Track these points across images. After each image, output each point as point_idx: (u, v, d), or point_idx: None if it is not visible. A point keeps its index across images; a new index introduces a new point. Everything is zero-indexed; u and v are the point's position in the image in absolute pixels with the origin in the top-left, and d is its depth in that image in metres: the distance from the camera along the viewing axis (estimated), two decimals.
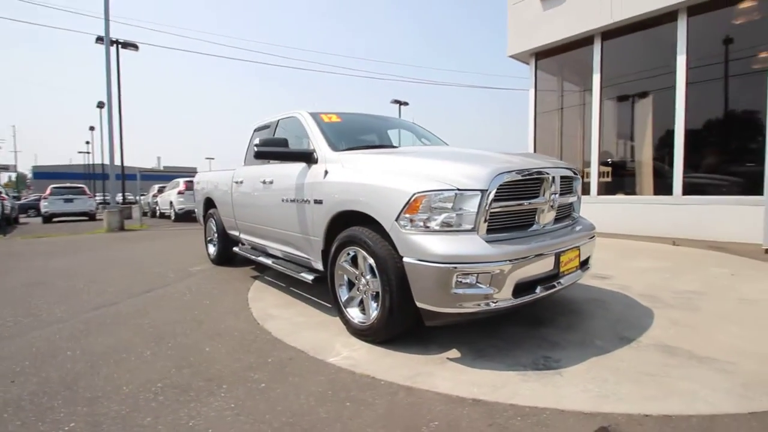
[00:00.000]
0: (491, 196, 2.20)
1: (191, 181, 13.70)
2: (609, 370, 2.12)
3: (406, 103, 27.77)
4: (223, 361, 2.36)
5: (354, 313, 2.70)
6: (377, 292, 2.51)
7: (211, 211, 5.35)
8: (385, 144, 3.62)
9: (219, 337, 2.75)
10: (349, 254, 2.70)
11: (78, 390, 2.05)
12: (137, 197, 20.07)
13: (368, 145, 3.37)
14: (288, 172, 3.39)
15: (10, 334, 2.87)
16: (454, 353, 2.38)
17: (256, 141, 3.17)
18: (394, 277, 2.31)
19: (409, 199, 2.22)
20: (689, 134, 6.17)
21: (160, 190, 16.75)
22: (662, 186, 6.52)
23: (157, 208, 16.44)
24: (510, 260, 2.15)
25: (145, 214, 18.09)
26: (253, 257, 4.14)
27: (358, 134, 3.63)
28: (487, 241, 2.18)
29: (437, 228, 2.19)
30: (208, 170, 6.41)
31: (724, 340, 2.46)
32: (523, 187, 2.39)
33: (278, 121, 3.95)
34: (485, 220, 2.20)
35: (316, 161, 3.10)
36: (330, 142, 3.16)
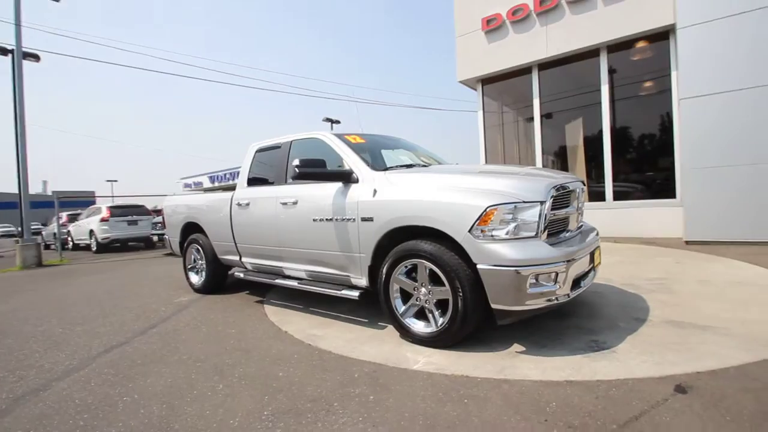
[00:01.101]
0: (548, 206, 2.57)
1: (119, 207, 12.38)
2: (647, 344, 2.58)
3: (337, 122, 28.11)
4: (310, 383, 2.36)
5: (414, 323, 2.86)
6: (440, 300, 2.72)
7: (193, 236, 5.02)
8: (412, 163, 3.79)
9: (282, 362, 2.70)
10: (406, 267, 2.86)
11: None
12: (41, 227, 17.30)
13: (403, 165, 3.57)
14: (319, 192, 3.44)
15: (27, 391, 2.48)
16: (519, 347, 2.67)
17: (296, 162, 3.19)
18: (467, 284, 2.55)
19: (483, 212, 2.49)
20: (615, 149, 7.41)
21: (72, 218, 14.68)
22: (596, 194, 7.66)
23: (69, 238, 14.35)
24: (568, 260, 2.53)
25: (47, 246, 15.72)
26: (266, 281, 4.03)
27: (381, 154, 3.81)
28: (549, 245, 2.54)
29: (506, 236, 2.49)
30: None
31: (708, 312, 3.11)
32: (562, 198, 2.81)
33: (291, 142, 3.96)
34: (545, 227, 2.57)
35: (356, 181, 3.22)
36: (367, 162, 3.31)
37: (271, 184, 4.02)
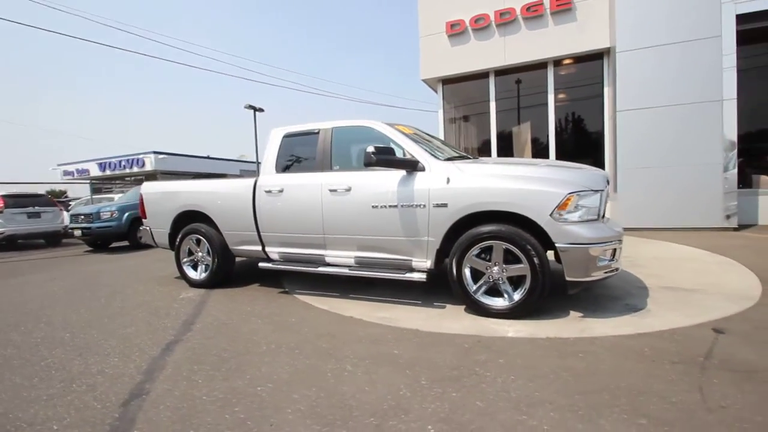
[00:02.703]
0: (605, 194, 3.11)
1: (15, 197, 10.25)
2: (666, 304, 3.29)
3: (261, 109, 26.68)
4: (434, 356, 2.53)
5: (489, 299, 3.19)
6: (514, 277, 3.10)
7: (192, 226, 4.60)
8: (457, 155, 4.05)
9: (382, 342, 2.80)
10: (480, 248, 3.17)
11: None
12: None
13: (453, 156, 3.82)
14: (378, 180, 3.54)
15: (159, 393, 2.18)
16: (576, 313, 3.18)
17: (370, 149, 3.24)
18: (545, 261, 2.96)
19: (563, 199, 2.91)
20: (558, 150, 8.61)
21: None
22: None
23: None
24: (620, 239, 3.10)
25: None
26: (306, 270, 3.95)
27: (430, 143, 3.99)
28: (607, 227, 3.07)
29: (578, 219, 2.96)
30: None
31: (682, 280, 4.01)
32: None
33: (333, 129, 3.93)
34: (603, 212, 3.10)
35: (422, 169, 3.40)
36: (430, 152, 3.51)
37: (309, 170, 3.94)
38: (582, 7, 7.85)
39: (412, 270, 3.52)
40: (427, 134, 4.38)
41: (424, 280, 3.42)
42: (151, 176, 29.67)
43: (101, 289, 4.90)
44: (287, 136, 4.18)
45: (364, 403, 1.99)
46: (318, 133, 4.00)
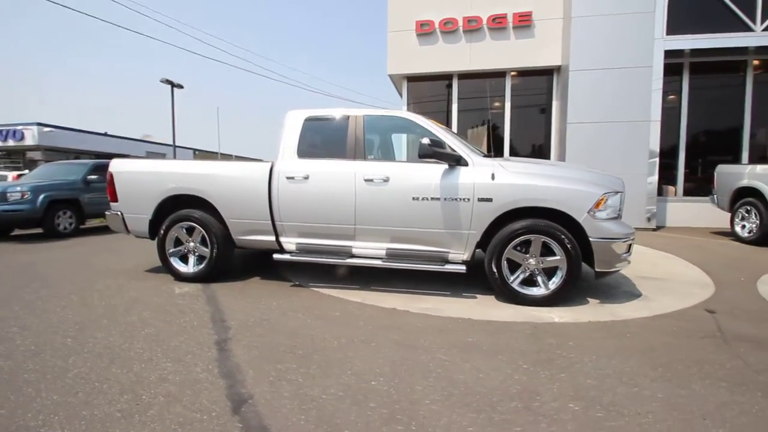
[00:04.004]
0: (624, 197, 3.55)
1: None
2: (656, 291, 3.87)
3: (180, 86, 23.99)
4: (506, 342, 2.67)
5: (523, 288, 3.43)
6: (550, 268, 3.39)
7: (181, 213, 4.07)
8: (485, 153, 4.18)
9: (447, 332, 2.86)
10: (520, 241, 3.39)
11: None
12: None
13: (484, 153, 3.97)
14: (419, 172, 3.56)
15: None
16: (594, 300, 3.59)
17: (426, 140, 3.23)
18: (579, 253, 3.30)
19: (598, 198, 3.27)
20: (512, 152, 9.39)
21: None
22: None
23: None
24: (634, 235, 3.58)
25: None
26: (333, 261, 3.78)
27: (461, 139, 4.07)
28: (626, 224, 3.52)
29: (606, 217, 3.35)
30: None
31: (647, 271, 4.74)
32: None
33: (364, 116, 3.81)
34: (622, 212, 3.54)
35: (465, 164, 3.50)
36: (469, 148, 3.62)
37: (338, 157, 3.78)
38: (540, 25, 8.65)
39: (446, 262, 3.62)
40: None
41: (464, 271, 3.54)
42: (32, 152, 24.89)
43: (58, 285, 4.06)
44: (309, 119, 3.94)
45: (493, 390, 2.05)
46: (348, 119, 3.85)
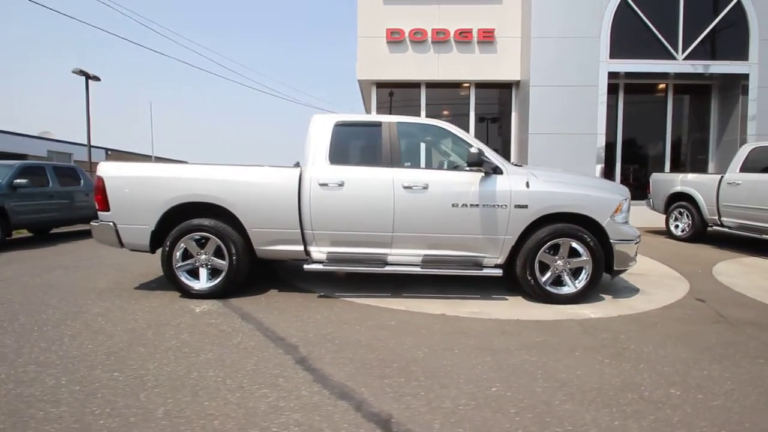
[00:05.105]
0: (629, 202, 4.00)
1: None
2: (649, 285, 4.41)
3: (97, 78, 21.27)
4: (583, 345, 2.87)
5: (554, 288, 3.70)
6: (575, 269, 3.70)
7: (193, 222, 3.69)
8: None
9: (509, 334, 2.99)
10: (551, 244, 3.66)
11: None
12: None
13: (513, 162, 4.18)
14: (457, 179, 3.66)
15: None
16: (607, 296, 3.98)
17: (474, 149, 3.33)
18: (603, 254, 3.65)
19: (618, 204, 3.65)
20: None
21: None
22: None
23: None
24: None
25: None
26: (370, 269, 3.70)
27: None
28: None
29: (621, 221, 3.75)
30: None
31: (635, 267, 5.36)
32: None
33: (397, 123, 3.80)
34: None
35: (500, 172, 3.67)
36: (501, 156, 3.80)
37: (372, 164, 3.72)
38: (502, 42, 9.30)
39: (480, 266, 3.76)
40: None
41: (501, 274, 3.70)
42: None
43: (37, 310, 3.41)
44: (339, 125, 3.82)
45: (601, 385, 2.21)
46: (380, 125, 3.81)
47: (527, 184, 3.65)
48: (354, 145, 3.89)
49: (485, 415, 1.89)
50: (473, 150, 3.42)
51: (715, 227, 7.01)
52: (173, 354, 2.55)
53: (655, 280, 4.65)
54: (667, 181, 8.00)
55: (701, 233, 7.23)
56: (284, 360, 2.47)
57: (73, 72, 20.32)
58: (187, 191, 3.70)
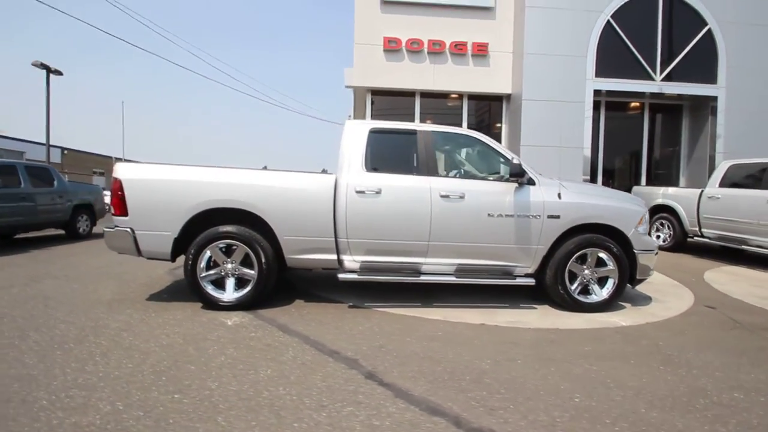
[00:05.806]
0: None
1: None
2: (661, 294, 4.63)
3: (59, 72, 19.88)
4: (630, 353, 2.95)
5: (582, 297, 3.80)
6: (599, 278, 3.83)
7: (220, 230, 3.50)
8: None
9: (558, 343, 3.03)
10: (580, 254, 3.77)
11: None
12: None
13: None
14: (492, 189, 3.71)
15: None
16: (627, 304, 4.13)
17: (516, 160, 3.38)
18: (628, 264, 3.80)
19: (641, 215, 3.83)
20: None
21: None
22: None
23: None
24: None
25: None
26: (404, 279, 3.66)
27: None
28: None
29: (643, 232, 3.93)
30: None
31: None
32: None
33: (432, 132, 3.80)
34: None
35: (533, 183, 3.75)
36: (532, 168, 3.88)
37: (409, 172, 3.70)
38: (494, 56, 9.59)
39: (512, 275, 3.81)
40: None
41: (533, 283, 3.77)
42: None
43: (46, 324, 3.09)
44: (374, 131, 3.78)
45: (671, 391, 2.28)
46: (415, 134, 3.80)
47: (559, 195, 3.76)
48: (389, 152, 3.85)
49: (585, 426, 1.90)
50: (515, 161, 3.49)
51: (695, 238, 7.51)
52: (229, 371, 2.38)
53: (662, 288, 4.89)
54: (648, 193, 8.48)
55: (682, 243, 7.71)
56: (352, 375, 2.37)
57: (33, 64, 18.97)
58: (215, 196, 3.51)
